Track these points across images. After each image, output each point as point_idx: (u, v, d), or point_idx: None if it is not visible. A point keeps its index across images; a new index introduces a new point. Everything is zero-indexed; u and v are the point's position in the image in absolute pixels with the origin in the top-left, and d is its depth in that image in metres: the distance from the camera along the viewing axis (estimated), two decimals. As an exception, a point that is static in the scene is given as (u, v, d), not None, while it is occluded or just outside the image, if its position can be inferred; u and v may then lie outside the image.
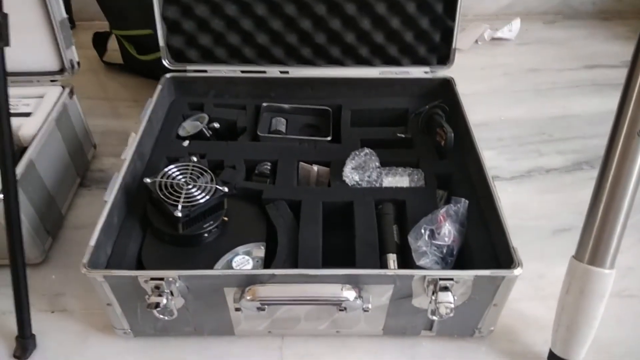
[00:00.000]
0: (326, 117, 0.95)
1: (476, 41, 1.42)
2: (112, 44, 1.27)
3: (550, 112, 1.17)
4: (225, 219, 0.74)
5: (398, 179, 0.82)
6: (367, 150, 0.83)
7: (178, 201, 0.69)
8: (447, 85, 0.95)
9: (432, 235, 0.66)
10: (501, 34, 1.43)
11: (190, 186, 0.72)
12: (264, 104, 0.96)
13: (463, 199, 0.71)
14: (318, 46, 0.95)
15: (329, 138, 0.90)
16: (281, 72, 0.98)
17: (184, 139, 0.89)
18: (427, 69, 0.96)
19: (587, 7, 1.53)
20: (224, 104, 0.97)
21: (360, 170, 0.82)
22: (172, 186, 0.71)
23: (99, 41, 1.30)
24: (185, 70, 0.97)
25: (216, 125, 0.91)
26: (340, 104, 0.96)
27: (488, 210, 0.72)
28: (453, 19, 0.92)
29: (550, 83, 1.27)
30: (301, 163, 0.85)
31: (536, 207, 0.92)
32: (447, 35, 0.93)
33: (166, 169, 0.74)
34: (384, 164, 0.84)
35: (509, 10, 1.53)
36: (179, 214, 0.68)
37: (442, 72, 0.96)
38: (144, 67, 1.19)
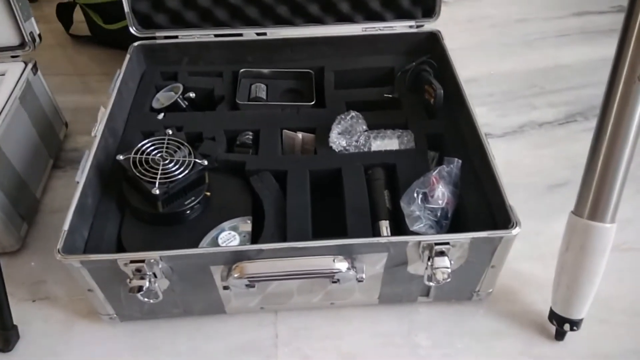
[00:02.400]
0: (308, 80, 0.90)
1: (461, -7, 1.36)
2: (78, 15, 1.19)
3: (541, 64, 1.13)
4: (208, 193, 0.70)
5: (387, 142, 0.79)
6: (353, 113, 0.79)
7: (155, 178, 0.65)
8: (434, 40, 0.90)
9: (425, 198, 0.63)
10: (487, -17, 1.36)
11: (167, 161, 0.67)
12: (242, 70, 0.90)
13: (456, 159, 0.68)
14: (295, 3, 0.89)
15: (312, 102, 0.85)
16: (257, 34, 0.92)
17: (159, 111, 0.84)
18: (412, 22, 0.91)
19: (575, -49, 1.47)
20: (199, 71, 0.91)
21: (347, 135, 0.78)
22: (147, 162, 0.67)
23: (64, 13, 1.21)
24: (154, 37, 0.90)
25: (192, 95, 0.85)
26: (322, 66, 0.91)
27: (482, 169, 0.68)
28: (437, -33, 0.86)
29: (539, 33, 1.22)
30: (285, 131, 0.81)
31: (530, 163, 0.90)
32: (433, -15, 0.88)
33: (140, 145, 0.69)
34: (372, 126, 0.80)
35: (495, -42, 1.46)
36: (157, 192, 0.64)
37: (428, 26, 0.91)
38: (113, 37, 1.11)
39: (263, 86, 0.89)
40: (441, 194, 0.64)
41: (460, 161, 0.68)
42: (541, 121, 0.98)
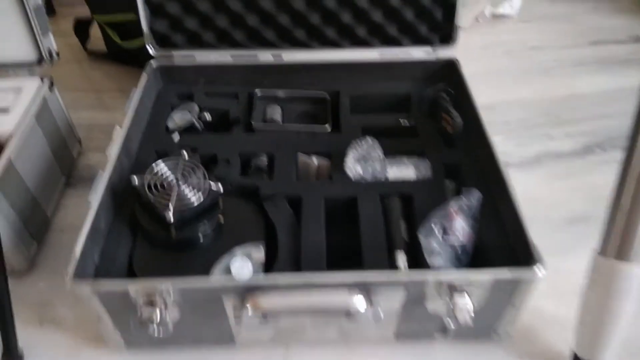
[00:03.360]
0: (324, 104, 0.90)
1: (476, 18, 1.36)
2: (96, 30, 1.20)
3: (557, 93, 1.12)
4: (221, 219, 0.69)
5: (403, 170, 0.77)
6: (369, 139, 0.78)
7: (169, 203, 0.64)
8: (451, 67, 0.89)
9: (444, 231, 0.62)
10: (502, 10, 1.36)
11: (181, 186, 0.66)
12: (257, 92, 0.90)
13: (475, 191, 0.67)
14: (312, 27, 0.89)
15: (328, 127, 0.84)
16: (274, 55, 0.91)
17: (174, 131, 0.83)
18: (429, 49, 0.91)
19: (591, -21, 1.47)
20: (215, 92, 0.91)
21: (363, 161, 0.77)
22: (162, 185, 0.66)
23: (81, 28, 1.22)
24: (171, 57, 0.90)
25: (207, 116, 0.85)
26: (338, 90, 0.90)
27: (502, 202, 0.67)
28: (456, -6, 0.86)
29: (555, 61, 1.22)
30: (300, 155, 0.80)
31: (548, 195, 0.88)
32: (450, 11, 0.88)
33: (154, 165, 0.68)
34: (388, 153, 0.78)
35: (510, -16, 1.47)
36: (171, 219, 0.63)
37: (445, 53, 0.91)
38: (129, 55, 1.12)
39: (278, 108, 0.89)
40: (460, 227, 0.62)
41: (480, 194, 0.67)
42: (559, 152, 0.97)
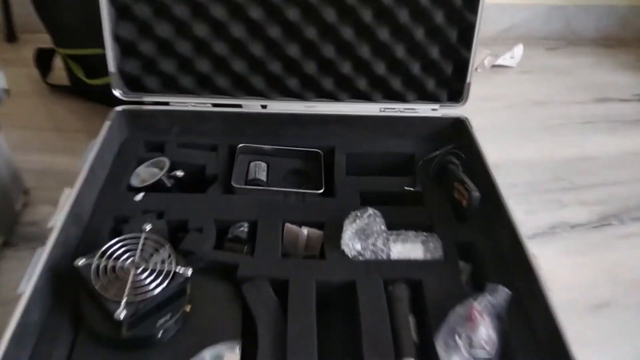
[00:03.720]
0: (316, 161, 0.78)
1: (475, 68, 1.29)
2: (59, 61, 1.08)
3: (564, 153, 1.04)
4: (187, 308, 0.56)
5: (409, 248, 0.66)
6: (370, 211, 0.66)
7: (122, 295, 0.50)
8: (460, 127, 0.80)
9: (469, 342, 0.50)
10: (502, 61, 1.30)
11: (139, 270, 0.53)
12: (240, 145, 0.78)
13: (503, 289, 0.55)
14: (307, 77, 0.78)
15: (321, 190, 0.73)
16: (262, 106, 0.80)
17: (138, 190, 0.70)
18: (436, 106, 0.81)
19: (591, 33, 1.43)
20: (190, 143, 0.79)
21: (363, 235, 0.65)
22: (114, 270, 0.53)
23: (43, 59, 1.09)
24: (142, 103, 0.78)
25: (179, 173, 0.72)
26: (333, 146, 0.79)
27: (530, 298, 0.56)
28: (469, 47, 0.77)
29: (560, 118, 1.14)
30: (287, 225, 0.68)
31: (566, 274, 0.78)
32: (461, 67, 0.79)
33: (108, 246, 0.55)
34: (390, 226, 0.67)
35: (508, 34, 1.41)
36: (122, 316, 0.49)
37: (453, 111, 0.81)
38: (96, 92, 0.99)
39: (264, 165, 0.77)
40: (486, 335, 0.51)
41: (508, 292, 0.55)
42: (573, 222, 0.88)
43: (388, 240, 0.66)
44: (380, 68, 0.78)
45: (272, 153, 0.79)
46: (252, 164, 0.77)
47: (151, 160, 0.75)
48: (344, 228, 0.65)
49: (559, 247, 0.83)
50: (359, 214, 0.66)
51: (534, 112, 1.16)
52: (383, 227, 0.66)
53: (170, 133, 0.79)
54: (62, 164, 0.91)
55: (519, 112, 1.16)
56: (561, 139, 1.08)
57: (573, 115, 1.15)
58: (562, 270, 0.78)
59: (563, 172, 0.99)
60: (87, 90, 1.02)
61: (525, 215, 0.88)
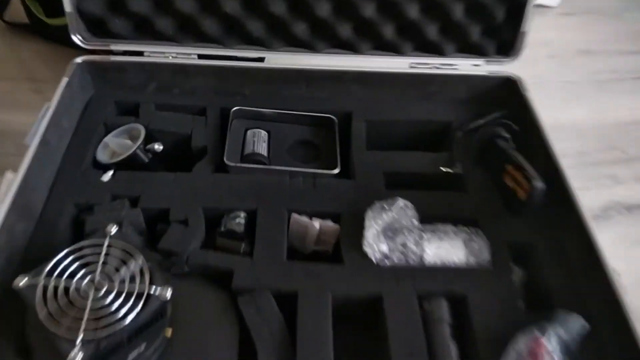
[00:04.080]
0: (329, 130, 0.63)
1: (511, 8, 1.10)
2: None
3: (617, 116, 0.88)
4: (168, 333, 0.43)
5: (448, 247, 0.52)
6: (400, 202, 0.52)
7: (77, 329, 0.37)
8: (511, 89, 0.64)
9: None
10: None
11: (101, 293, 0.40)
12: (234, 109, 0.63)
13: (576, 318, 0.42)
14: (318, 20, 0.61)
15: (336, 170, 0.58)
16: (260, 57, 0.64)
17: (106, 167, 0.56)
18: (480, 61, 0.65)
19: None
20: (172, 105, 0.63)
21: (390, 232, 0.52)
22: (66, 293, 0.39)
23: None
24: (109, 52, 0.61)
25: (157, 147, 0.57)
26: (350, 111, 0.64)
27: (608, 327, 0.44)
28: (528, -15, 0.60)
29: (610, 72, 0.97)
30: (294, 216, 0.54)
31: (628, 270, 0.65)
32: (516, 9, 0.62)
33: (57, 260, 0.41)
34: (423, 217, 0.54)
35: (548, -33, 1.20)
36: (78, 358, 0.36)
37: (502, 68, 0.65)
38: (58, 33, 0.81)
39: (264, 135, 0.62)
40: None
41: (584, 323, 0.42)
42: (629, 202, 0.74)
43: (421, 238, 0.52)
44: (412, 10, 0.60)
45: (274, 118, 0.64)
46: (249, 132, 0.62)
47: (122, 128, 0.60)
48: (367, 223, 0.52)
49: (614, 234, 0.69)
50: (385, 206, 0.52)
51: (580, 64, 0.98)
52: (416, 222, 0.53)
53: (146, 92, 0.63)
54: (21, 124, 0.76)
55: (563, 64, 0.99)
56: (612, 98, 0.92)
57: (624, 69, 0.98)
58: (620, 266, 0.66)
59: (616, 139, 0.84)
60: (49, 31, 0.84)
61: (578, 192, 0.74)
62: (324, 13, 0.60)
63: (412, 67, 0.64)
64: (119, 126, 0.60)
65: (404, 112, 0.64)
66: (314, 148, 0.63)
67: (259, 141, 0.61)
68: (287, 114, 0.64)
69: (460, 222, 0.54)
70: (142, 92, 0.63)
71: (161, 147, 0.57)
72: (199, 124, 0.61)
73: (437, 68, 0.64)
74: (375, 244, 0.51)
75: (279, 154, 0.61)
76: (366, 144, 0.61)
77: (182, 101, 0.63)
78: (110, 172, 0.55)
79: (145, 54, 0.61)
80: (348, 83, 0.64)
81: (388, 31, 0.62)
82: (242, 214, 0.54)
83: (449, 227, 0.54)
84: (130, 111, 0.62)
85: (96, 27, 0.60)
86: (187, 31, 0.61)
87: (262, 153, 0.60)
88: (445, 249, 0.52)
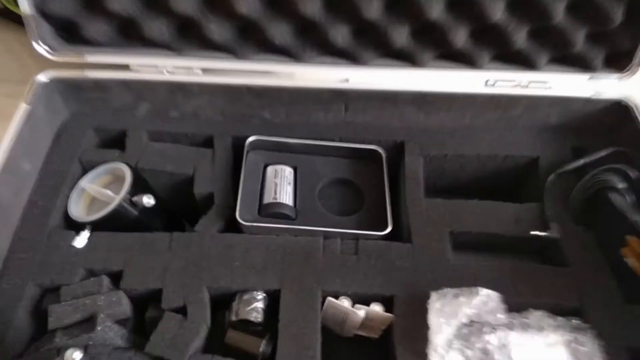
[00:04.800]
0: (375, 166, 0.48)
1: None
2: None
3: None
4: None
5: (543, 349, 0.38)
6: (484, 294, 0.37)
7: None
8: (624, 116, 0.47)
9: None
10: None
11: None
12: (251, 139, 0.48)
13: None
14: (366, 24, 0.45)
15: (386, 230, 0.43)
16: (284, 72, 0.48)
17: (79, 226, 0.42)
18: (582, 76, 0.48)
19: None
20: (169, 132, 0.48)
21: (466, 330, 0.37)
22: None
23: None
24: (85, 65, 0.46)
25: (147, 201, 0.42)
26: (402, 141, 0.48)
27: None
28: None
29: None
30: (330, 300, 0.40)
31: None
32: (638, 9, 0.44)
33: None
34: (506, 300, 0.39)
35: None
36: None
37: (611, 86, 0.48)
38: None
39: (289, 173, 0.47)
40: None
41: None
42: None
43: (508, 339, 0.38)
44: (495, 8, 0.44)
45: (303, 150, 0.49)
46: (270, 170, 0.47)
47: (103, 167, 0.45)
48: (433, 320, 0.37)
49: None
50: (462, 298, 0.37)
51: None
52: (502, 316, 0.38)
53: (136, 115, 0.48)
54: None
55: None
56: None
57: None
58: None
59: None
60: (20, 21, 0.69)
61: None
62: (374, 13, 0.43)
63: (488, 85, 0.47)
64: (99, 163, 0.46)
65: (476, 145, 0.48)
66: (354, 191, 0.48)
67: (282, 183, 0.46)
68: (319, 146, 0.49)
69: (559, 311, 0.39)
70: (129, 117, 0.48)
71: (152, 202, 0.42)
72: (204, 161, 0.47)
73: (523, 87, 0.47)
74: (446, 353, 0.36)
75: (309, 200, 0.46)
76: (425, 187, 0.46)
77: (182, 128, 0.48)
78: (86, 234, 0.41)
79: (132, 67, 0.46)
80: (401, 105, 0.48)
81: (460, 36, 0.45)
82: (261, 296, 0.40)
83: (545, 320, 0.39)
84: (115, 142, 0.48)
85: (67, 32, 0.45)
86: (188, 37, 0.45)
87: (287, 203, 0.45)
88: (540, 348, 0.38)
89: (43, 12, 0.43)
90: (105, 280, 0.40)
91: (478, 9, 0.44)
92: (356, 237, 0.43)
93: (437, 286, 0.39)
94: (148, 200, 0.42)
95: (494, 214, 0.45)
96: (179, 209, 0.48)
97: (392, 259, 0.42)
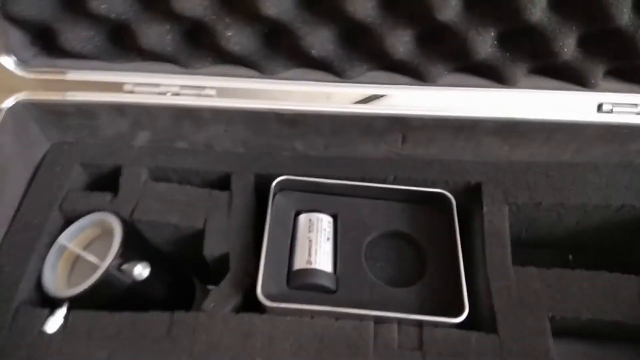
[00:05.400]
0: (442, 217, 0.36)
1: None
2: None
3: None
4: None
5: None
6: None
7: None
8: None
9: None
10: None
11: None
12: (280, 178, 0.37)
13: None
14: (435, 28, 0.33)
15: (462, 317, 0.32)
16: (321, 94, 0.37)
17: (56, 303, 0.32)
18: None
19: None
20: (174, 170, 0.38)
21: None
22: None
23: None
24: (65, 84, 0.36)
25: (140, 271, 0.31)
26: (478, 182, 0.36)
27: None
28: None
29: None
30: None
31: None
32: None
33: None
34: None
35: None
36: None
37: None
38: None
39: (328, 224, 0.36)
40: None
41: None
42: None
43: None
44: (620, 10, 0.31)
45: (345, 193, 0.38)
46: (302, 219, 0.36)
47: (87, 219, 0.35)
48: None
49: None
50: None
51: None
52: None
53: (132, 147, 0.38)
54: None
55: None
56: None
57: None
58: None
59: None
60: None
61: None
62: (451, 12, 0.31)
63: (602, 112, 0.35)
64: (85, 212, 0.35)
65: (581, 189, 0.36)
66: (414, 251, 0.36)
67: (319, 239, 0.35)
68: (367, 187, 0.37)
69: None
70: (125, 149, 0.38)
71: (148, 271, 0.32)
72: (217, 208, 0.36)
73: (651, 115, 0.35)
74: None
75: (353, 262, 0.35)
76: (512, 249, 0.34)
77: (191, 163, 0.38)
78: (61, 313, 0.31)
79: (126, 87, 0.35)
80: (479, 136, 0.36)
81: (568, 43, 0.33)
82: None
83: None
84: (106, 182, 0.37)
85: (44, 41, 0.35)
86: (199, 47, 0.34)
87: (326, 270, 0.34)
88: None
89: (9, 15, 0.33)
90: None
91: (597, 8, 0.31)
92: (420, 324, 0.32)
93: (539, 405, 0.28)
94: (140, 272, 0.31)
95: (610, 290, 0.32)
96: (187, 263, 0.38)
97: (471, 359, 0.30)
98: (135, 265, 0.31)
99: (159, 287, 0.35)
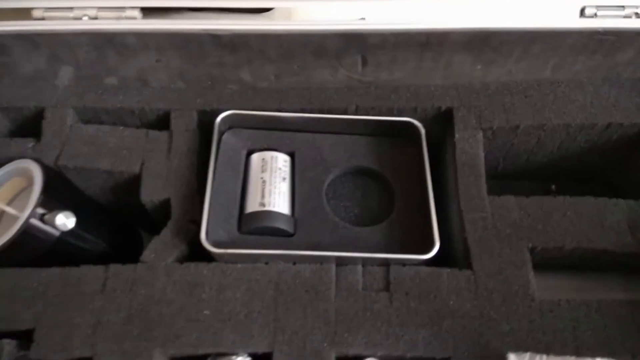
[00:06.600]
0: (410, 148, 0.33)
1: None
2: None
3: None
4: None
5: None
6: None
7: None
8: None
9: None
10: None
11: None
12: (225, 113, 0.32)
13: None
14: None
15: (432, 252, 0.28)
16: (265, 9, 0.32)
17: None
18: None
19: None
20: (105, 109, 0.33)
21: None
22: None
23: None
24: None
25: (64, 221, 0.27)
26: (449, 107, 0.33)
27: None
28: None
29: None
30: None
31: None
32: None
33: None
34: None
35: None
36: None
37: None
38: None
39: (283, 162, 0.32)
40: None
41: None
42: None
43: None
44: None
45: (302, 128, 0.34)
46: (254, 159, 0.32)
47: (5, 169, 0.31)
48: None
49: None
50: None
51: None
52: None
53: (57, 85, 0.33)
54: None
55: None
56: None
57: None
58: None
59: None
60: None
61: None
62: None
63: (586, 16, 0.31)
64: (7, 162, 0.31)
65: (563, 108, 0.32)
66: (380, 187, 0.33)
67: (273, 181, 0.31)
68: (326, 121, 0.33)
69: None
70: (48, 88, 0.33)
71: (73, 221, 0.28)
72: (156, 150, 0.32)
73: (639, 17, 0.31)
74: None
75: (313, 202, 0.31)
76: (486, 179, 0.31)
77: (123, 101, 0.33)
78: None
79: (35, 13, 0.30)
80: (448, 53, 0.32)
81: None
82: (243, 362, 0.26)
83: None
84: (29, 127, 0.33)
85: None
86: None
87: (282, 211, 0.30)
88: None
89: None
90: (8, 347, 0.26)
91: None
92: (386, 263, 0.28)
93: (516, 343, 0.25)
94: (64, 222, 0.27)
95: (597, 217, 0.29)
96: (129, 213, 0.34)
97: (443, 298, 0.27)
98: (57, 215, 0.27)
99: (94, 240, 0.31)
